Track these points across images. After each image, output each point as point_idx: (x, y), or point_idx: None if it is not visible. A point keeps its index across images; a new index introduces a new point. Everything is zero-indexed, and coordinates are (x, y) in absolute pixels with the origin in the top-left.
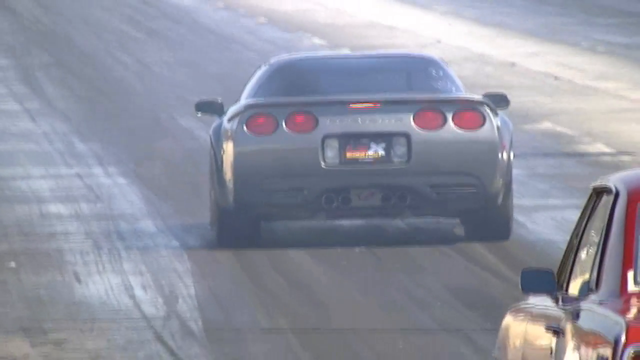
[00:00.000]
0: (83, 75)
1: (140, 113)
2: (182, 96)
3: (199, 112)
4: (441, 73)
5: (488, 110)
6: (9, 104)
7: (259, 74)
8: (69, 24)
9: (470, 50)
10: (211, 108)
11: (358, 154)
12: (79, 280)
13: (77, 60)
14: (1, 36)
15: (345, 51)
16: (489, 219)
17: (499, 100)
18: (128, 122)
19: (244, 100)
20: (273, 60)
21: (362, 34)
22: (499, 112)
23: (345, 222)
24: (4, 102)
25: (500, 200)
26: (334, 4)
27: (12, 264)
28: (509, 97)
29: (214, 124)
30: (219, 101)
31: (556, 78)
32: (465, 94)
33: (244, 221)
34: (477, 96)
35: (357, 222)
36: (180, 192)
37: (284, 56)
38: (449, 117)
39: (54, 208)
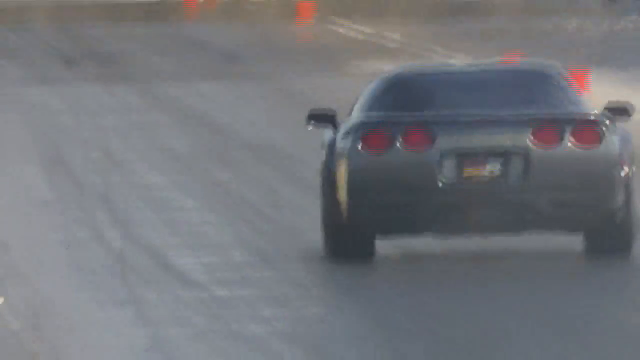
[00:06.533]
0: None
1: None
2: None
3: (311, 123)
4: (561, 85)
5: (606, 127)
6: None
7: (371, 87)
8: None
9: None
10: (324, 119)
11: (475, 171)
12: None
13: None
14: None
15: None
16: (609, 235)
17: (621, 112)
18: None
19: (357, 115)
20: (385, 73)
21: None
22: (620, 125)
23: None
24: None
25: (620, 216)
26: None
27: None
28: (631, 107)
29: (328, 139)
30: (331, 113)
31: None
32: (583, 110)
33: (358, 237)
34: (596, 111)
35: None
36: None
37: (397, 69)
38: (567, 134)
39: None
